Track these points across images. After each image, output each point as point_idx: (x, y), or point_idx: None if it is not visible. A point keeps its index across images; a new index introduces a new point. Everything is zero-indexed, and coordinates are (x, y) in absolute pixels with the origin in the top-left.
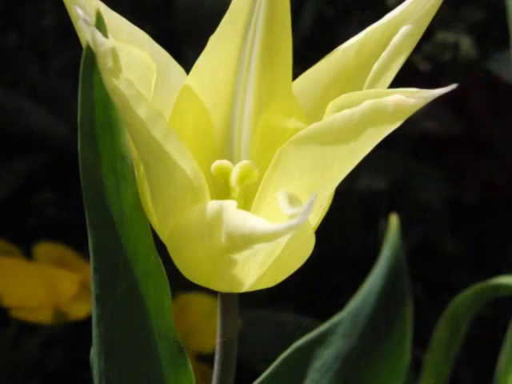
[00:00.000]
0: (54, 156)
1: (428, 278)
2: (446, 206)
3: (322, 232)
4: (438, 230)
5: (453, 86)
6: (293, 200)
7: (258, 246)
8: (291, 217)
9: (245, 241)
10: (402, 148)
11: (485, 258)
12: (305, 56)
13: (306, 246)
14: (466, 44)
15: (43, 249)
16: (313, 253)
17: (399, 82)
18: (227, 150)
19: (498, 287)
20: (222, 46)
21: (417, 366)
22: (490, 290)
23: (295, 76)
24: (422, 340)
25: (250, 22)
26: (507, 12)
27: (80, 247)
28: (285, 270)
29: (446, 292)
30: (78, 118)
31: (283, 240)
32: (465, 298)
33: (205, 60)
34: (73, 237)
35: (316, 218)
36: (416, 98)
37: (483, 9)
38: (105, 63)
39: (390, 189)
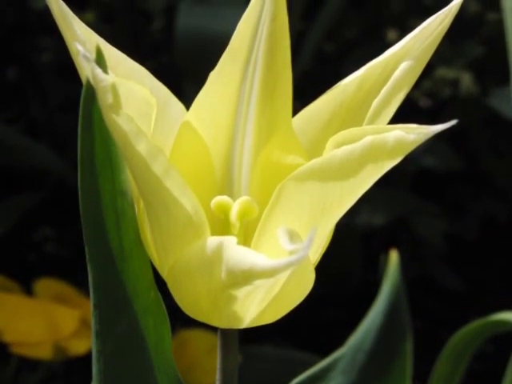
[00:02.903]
0: (54, 192)
1: (428, 313)
2: (446, 242)
3: (322, 267)
4: (437, 266)
5: (453, 122)
6: (293, 236)
7: (258, 282)
8: (291, 253)
9: (245, 277)
10: (402, 184)
11: (484, 294)
12: (305, 91)
13: (306, 282)
14: (466, 80)
15: (43, 285)
16: (313, 288)
17: (399, 117)
18: (227, 186)
19: (498, 323)
20: (222, 81)
21: None
22: (489, 326)
23: (295, 111)
24: (422, 376)
25: (250, 58)
26: (507, 48)
27: (80, 283)
28: (285, 305)
29: (445, 328)
30: (78, 154)
31: (283, 276)
32: (465, 334)
33: (205, 96)
34: (73, 273)
35: (316, 253)
36: (416, 134)
37: (483, 45)
38: (105, 99)
39: (389, 224)
